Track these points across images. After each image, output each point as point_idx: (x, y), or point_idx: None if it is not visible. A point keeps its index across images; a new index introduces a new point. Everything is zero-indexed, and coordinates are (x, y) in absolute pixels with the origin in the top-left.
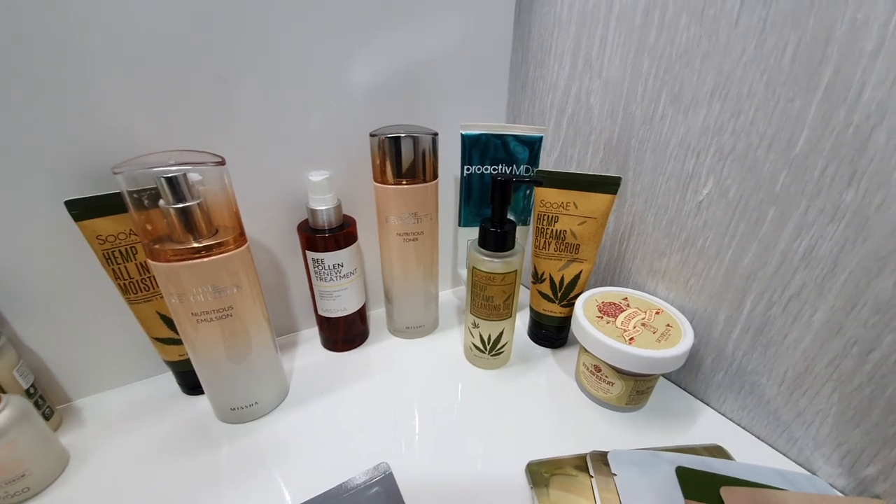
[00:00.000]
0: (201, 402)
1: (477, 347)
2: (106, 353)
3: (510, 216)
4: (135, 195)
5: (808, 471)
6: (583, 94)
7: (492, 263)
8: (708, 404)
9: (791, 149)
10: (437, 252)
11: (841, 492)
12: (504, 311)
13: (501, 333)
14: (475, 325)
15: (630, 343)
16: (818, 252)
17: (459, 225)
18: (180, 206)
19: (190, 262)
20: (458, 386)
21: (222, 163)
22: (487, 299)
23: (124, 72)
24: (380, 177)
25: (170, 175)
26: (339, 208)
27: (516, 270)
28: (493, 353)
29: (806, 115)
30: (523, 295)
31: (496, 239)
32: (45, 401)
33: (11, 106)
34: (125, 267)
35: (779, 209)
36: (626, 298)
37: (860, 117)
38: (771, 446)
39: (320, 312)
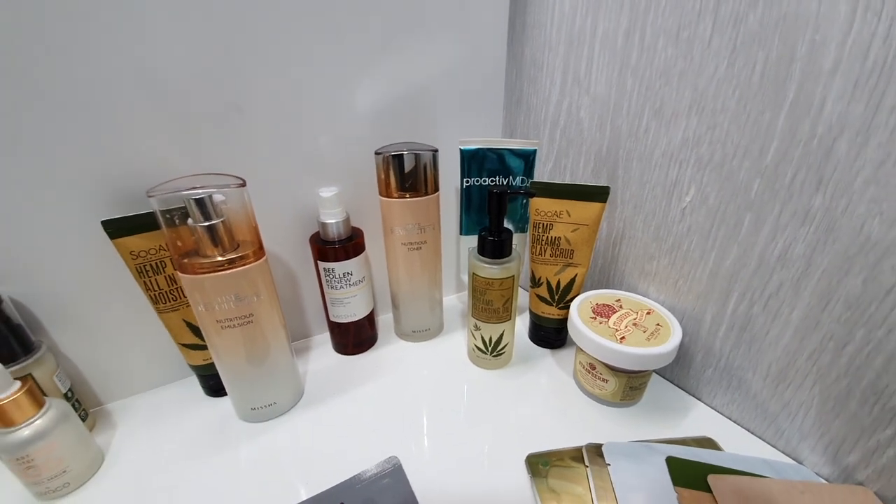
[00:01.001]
0: (223, 404)
1: (479, 349)
2: (134, 359)
3: (507, 225)
4: (167, 215)
5: (795, 460)
6: (573, 108)
7: (490, 269)
8: (700, 399)
9: (763, 158)
10: (440, 260)
11: (826, 479)
12: (504, 314)
13: (502, 335)
14: (477, 328)
15: (621, 342)
16: (793, 253)
17: (461, 233)
18: (207, 223)
19: (215, 273)
20: (463, 385)
21: (243, 184)
22: (487, 303)
23: (153, 104)
24: (385, 191)
25: (198, 197)
26: (347, 221)
27: (514, 275)
28: (495, 353)
29: (775, 127)
30: (523, 298)
31: (494, 247)
32: (81, 404)
33: (55, 136)
34: (155, 279)
35: (754, 214)
36: (619, 300)
37: (823, 129)
38: (760, 438)
39: (332, 318)
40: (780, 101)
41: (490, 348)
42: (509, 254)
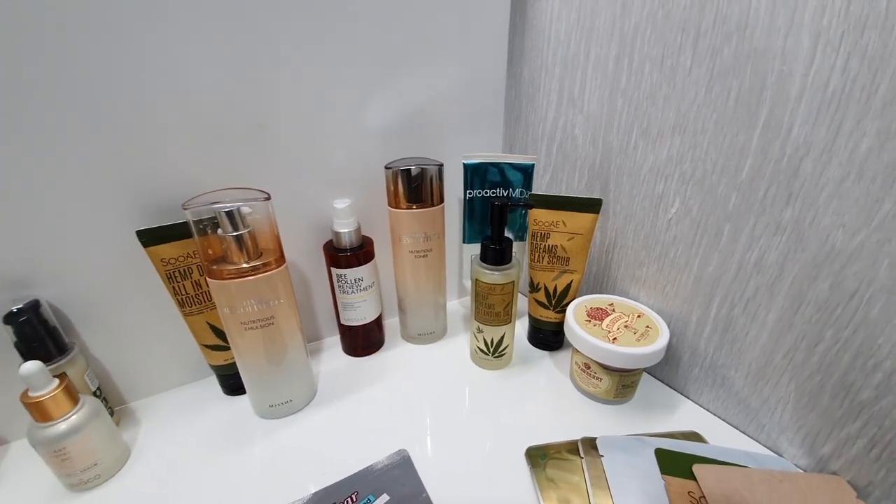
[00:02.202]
0: (241, 402)
1: (481, 350)
2: (157, 360)
3: (508, 234)
4: (199, 225)
5: (776, 453)
6: (568, 125)
7: (492, 275)
8: (687, 397)
9: (738, 175)
10: (444, 267)
11: (804, 470)
12: (504, 317)
13: (503, 337)
14: (479, 331)
15: (613, 342)
16: (767, 260)
17: (464, 242)
18: (235, 233)
19: (240, 279)
20: (466, 385)
21: (268, 198)
22: (489, 307)
23: (184, 122)
24: (393, 202)
25: (228, 209)
26: (358, 230)
27: (514, 281)
28: (496, 354)
29: (749, 147)
30: (522, 303)
31: (495, 254)
32: (108, 402)
33: (94, 151)
34: (183, 284)
35: (733, 225)
36: (611, 304)
37: (791, 149)
38: (743, 433)
39: (343, 321)
40: (753, 124)
41: (492, 350)
42: (510, 261)
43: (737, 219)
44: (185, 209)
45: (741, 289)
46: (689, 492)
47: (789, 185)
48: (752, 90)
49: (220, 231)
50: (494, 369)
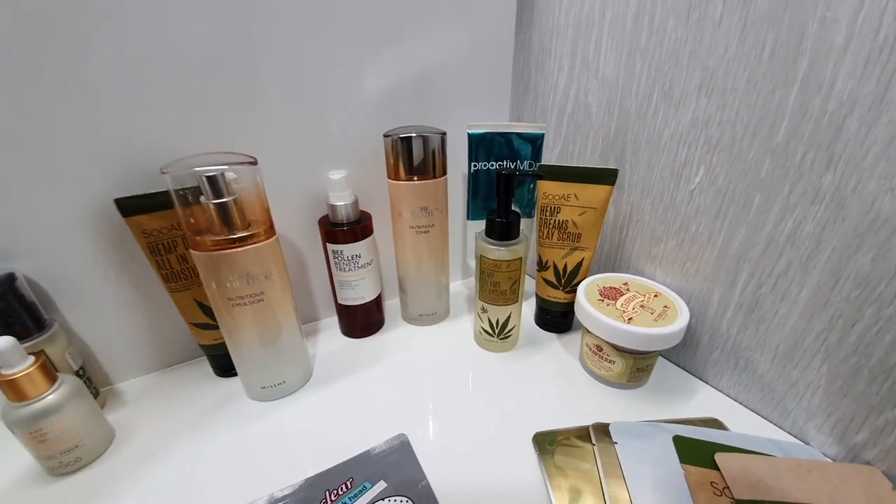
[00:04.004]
0: (233, 384)
1: (486, 331)
2: (144, 339)
3: (515, 208)
4: (180, 192)
5: (802, 441)
6: (581, 93)
7: (498, 251)
8: (706, 381)
9: (773, 137)
10: (447, 244)
11: (832, 459)
12: (511, 296)
13: (509, 318)
14: (484, 311)
15: (629, 322)
16: (802, 232)
17: (468, 218)
18: (218, 201)
19: (226, 251)
20: (470, 367)
21: (254, 163)
22: (495, 285)
23: (167, 82)
24: (393, 174)
25: (210, 174)
26: (356, 204)
27: (521, 258)
28: (502, 336)
29: (785, 105)
30: (529, 284)
31: (502, 228)
32: (92, 382)
33: (67, 112)
34: (167, 258)
35: (764, 194)
36: (626, 283)
37: (834, 106)
38: (766, 419)
39: (340, 301)
40: (790, 80)
41: (497, 331)
42: (517, 236)
43: (769, 187)
44: (164, 173)
45: (771, 264)
46: (711, 482)
47: (830, 146)
48: (790, 41)
49: (202, 199)
50: (499, 351)
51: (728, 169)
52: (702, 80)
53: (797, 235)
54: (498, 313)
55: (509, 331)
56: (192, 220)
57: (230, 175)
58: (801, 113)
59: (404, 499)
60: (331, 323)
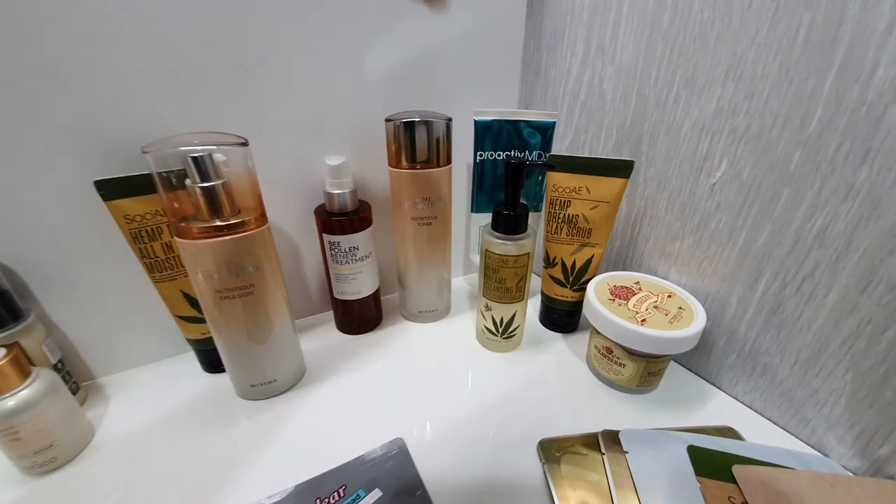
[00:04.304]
0: (221, 380)
1: (489, 330)
2: (129, 332)
3: (522, 201)
4: (164, 175)
5: (820, 452)
6: (595, 80)
7: (505, 246)
8: (719, 387)
9: (805, 128)
10: (449, 236)
11: (853, 472)
12: (516, 293)
13: (514, 316)
14: (487, 308)
15: (642, 324)
16: (832, 231)
17: (472, 211)
18: (205, 185)
19: (214, 239)
20: (471, 367)
21: (245, 143)
22: (500, 282)
23: (153, 56)
24: (394, 162)
25: (196, 154)
26: (354, 193)
27: (528, 253)
28: (506, 335)
29: (819, 94)
30: (535, 281)
31: (509, 222)
32: (72, 376)
33: (44, 87)
34: (151, 246)
35: (793, 189)
36: (637, 282)
37: (873, 95)
38: (782, 428)
39: (336, 295)
40: (826, 66)
41: (501, 330)
42: (525, 230)
43: (798, 181)
44: (146, 153)
45: (797, 264)
46: (728, 496)
47: (868, 139)
48: (828, 24)
49: (188, 182)
50: (503, 351)
51: (754, 162)
52: (729, 65)
53: (827, 234)
54: (502, 311)
55: (513, 330)
56: (177, 206)
57: (219, 157)
58: (836, 102)
59: None
60: (326, 318)
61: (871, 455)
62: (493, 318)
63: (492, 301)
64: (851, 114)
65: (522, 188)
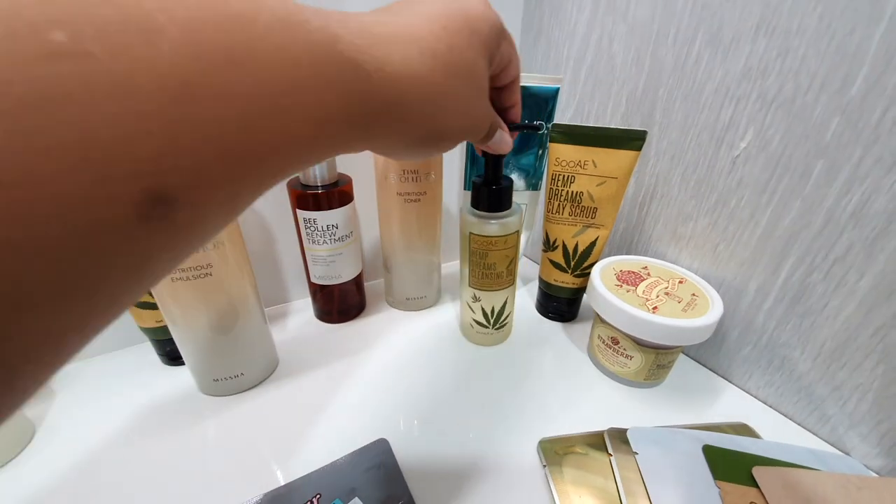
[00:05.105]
0: (182, 374)
1: (479, 323)
2: None
3: (519, 180)
4: None
5: (841, 451)
6: (605, 40)
7: (489, 226)
8: (730, 381)
9: (846, 90)
10: (440, 215)
11: (877, 473)
12: (507, 277)
13: (505, 303)
14: (476, 299)
15: (654, 312)
16: (870, 208)
17: (465, 189)
18: None
19: None
20: (462, 360)
21: None
22: (489, 268)
23: None
24: None
25: None
26: (332, 163)
27: (517, 231)
28: (498, 325)
29: (866, 49)
30: (531, 268)
31: (491, 197)
32: None
33: None
34: None
35: (828, 161)
36: (645, 267)
37: None
38: (799, 424)
39: (313, 280)
40: (875, 16)
41: (493, 320)
42: (510, 205)
43: (835, 152)
44: None
45: (827, 247)
46: (751, 502)
47: None
48: None
49: None
50: (495, 344)
51: (785, 130)
52: (761, 18)
53: (864, 212)
54: (493, 300)
55: (505, 318)
56: None
57: None
58: (885, 59)
59: None
60: (303, 305)
61: None
62: (482, 308)
63: (480, 290)
64: None
65: (504, 157)
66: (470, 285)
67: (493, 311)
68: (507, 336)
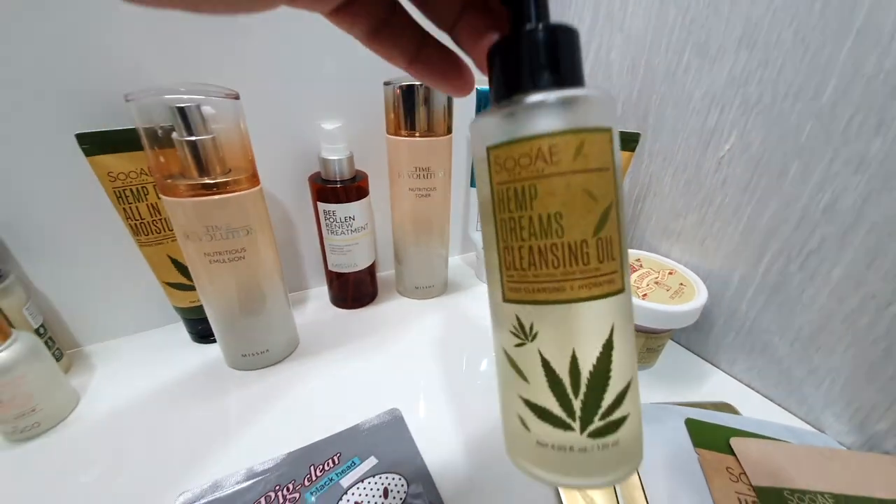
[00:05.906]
0: (212, 350)
1: (544, 414)
2: (115, 299)
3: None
4: (149, 128)
5: (817, 429)
6: (602, 49)
7: (539, 119)
8: (717, 366)
9: (818, 98)
10: (448, 210)
11: (847, 448)
12: (603, 258)
13: (611, 344)
14: (523, 334)
15: (643, 298)
16: (841, 205)
17: (472, 185)
18: (193, 138)
19: (202, 198)
20: (467, 344)
21: (236, 97)
22: (546, 229)
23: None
24: (393, 129)
25: (182, 105)
26: (351, 160)
27: (610, 130)
28: (603, 419)
29: (835, 63)
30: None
31: (539, 56)
32: (55, 342)
33: (21, 33)
34: (136, 207)
35: (803, 162)
36: (638, 260)
37: (891, 63)
38: (780, 405)
39: (331, 267)
40: (843, 33)
41: (582, 400)
42: (581, 77)
43: (809, 154)
44: (129, 101)
45: (802, 240)
46: (727, 467)
47: (882, 109)
48: None
49: (174, 135)
50: (592, 479)
51: (765, 133)
52: (743, 32)
53: (835, 208)
54: (570, 333)
55: (619, 400)
56: (163, 161)
57: (207, 110)
58: (852, 71)
59: (397, 476)
60: (320, 293)
61: (868, 431)
62: (543, 360)
63: (531, 305)
64: (867, 83)
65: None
66: (507, 298)
67: (575, 372)
68: (627, 463)
